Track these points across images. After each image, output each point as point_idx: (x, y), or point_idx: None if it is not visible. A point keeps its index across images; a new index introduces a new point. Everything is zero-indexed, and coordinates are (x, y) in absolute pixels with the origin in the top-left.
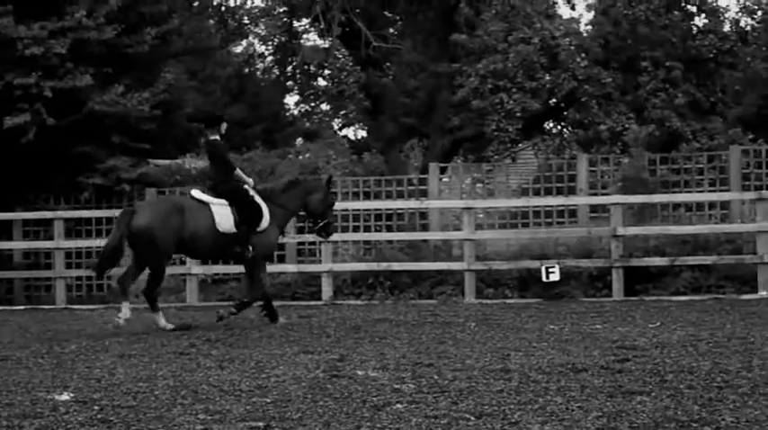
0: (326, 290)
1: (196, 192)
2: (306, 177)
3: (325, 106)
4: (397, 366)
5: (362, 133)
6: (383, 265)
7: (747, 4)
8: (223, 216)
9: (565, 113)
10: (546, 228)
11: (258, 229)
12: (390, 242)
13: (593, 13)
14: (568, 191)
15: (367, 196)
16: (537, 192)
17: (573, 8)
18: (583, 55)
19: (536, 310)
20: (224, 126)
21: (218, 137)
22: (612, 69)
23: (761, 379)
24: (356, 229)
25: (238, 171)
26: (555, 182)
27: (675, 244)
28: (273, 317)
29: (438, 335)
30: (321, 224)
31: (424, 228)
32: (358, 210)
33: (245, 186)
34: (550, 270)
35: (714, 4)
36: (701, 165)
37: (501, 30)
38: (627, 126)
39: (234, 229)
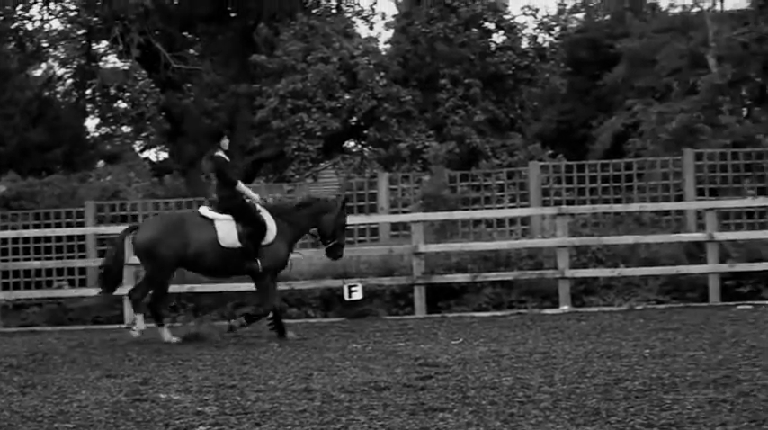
0: (129, 313)
1: (203, 209)
2: (321, 197)
3: (125, 128)
4: (200, 388)
5: (164, 155)
6: (185, 287)
7: (545, 20)
8: (226, 231)
9: (365, 132)
10: (347, 246)
11: (264, 244)
12: None
13: (392, 31)
14: (369, 209)
15: None
16: None
17: (371, 27)
18: (382, 73)
19: (339, 329)
20: (225, 141)
21: (220, 152)
22: (412, 87)
23: (562, 393)
24: None
25: (241, 186)
26: (356, 200)
27: (477, 260)
28: (282, 331)
29: (241, 357)
30: (330, 244)
31: None
32: None
33: (251, 201)
34: (353, 289)
35: (512, 21)
36: (501, 182)
37: (300, 49)
38: (427, 144)
39: (237, 244)
